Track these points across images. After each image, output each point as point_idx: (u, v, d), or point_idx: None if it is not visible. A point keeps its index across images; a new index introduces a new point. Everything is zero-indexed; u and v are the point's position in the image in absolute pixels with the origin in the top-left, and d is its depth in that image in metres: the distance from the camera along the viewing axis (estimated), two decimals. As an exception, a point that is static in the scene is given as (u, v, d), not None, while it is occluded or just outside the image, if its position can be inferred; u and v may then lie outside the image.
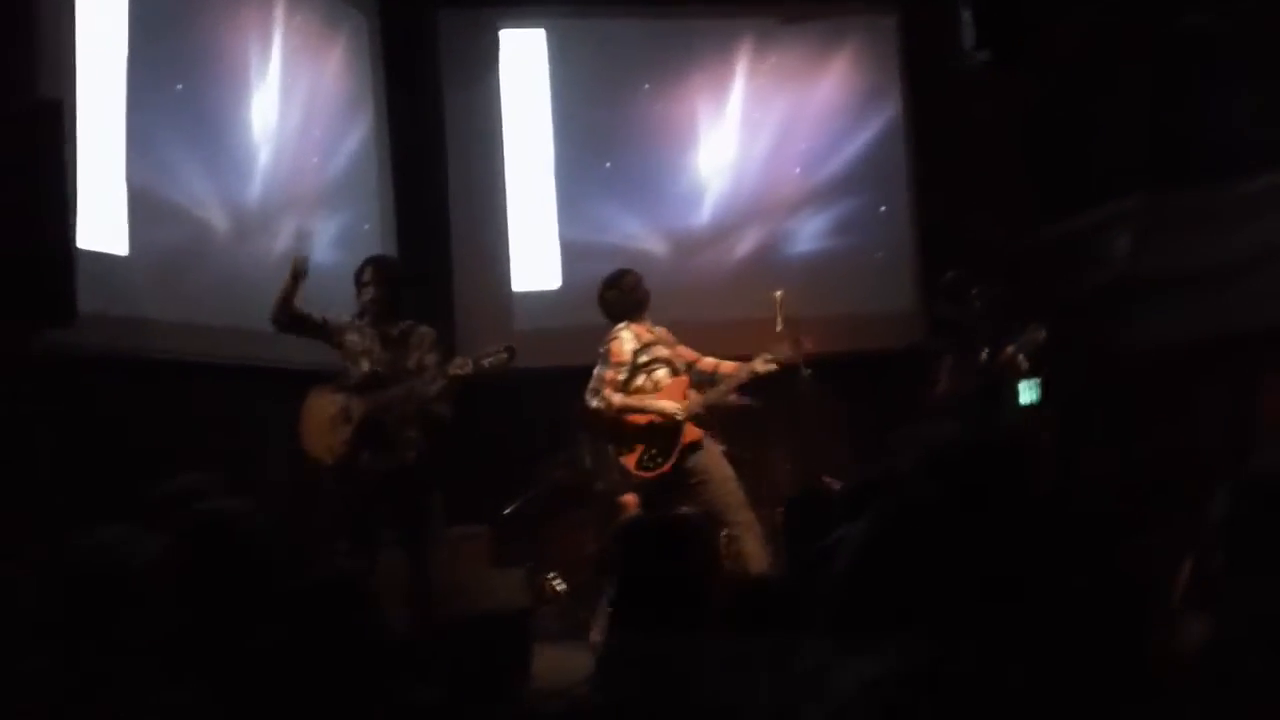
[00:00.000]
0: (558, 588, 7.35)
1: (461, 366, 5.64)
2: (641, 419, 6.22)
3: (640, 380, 6.25)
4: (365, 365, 5.68)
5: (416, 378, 5.66)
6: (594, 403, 6.23)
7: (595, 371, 6.27)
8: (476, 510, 7.77)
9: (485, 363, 5.70)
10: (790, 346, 6.37)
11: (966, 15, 7.77)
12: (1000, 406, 6.65)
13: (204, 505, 3.52)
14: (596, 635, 6.18)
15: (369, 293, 5.73)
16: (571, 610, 7.14)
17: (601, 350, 6.29)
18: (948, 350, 6.91)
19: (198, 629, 2.69)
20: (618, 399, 6.20)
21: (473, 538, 7.47)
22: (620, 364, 6.22)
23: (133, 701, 2.21)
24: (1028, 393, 6.93)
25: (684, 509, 6.34)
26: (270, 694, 2.64)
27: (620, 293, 6.37)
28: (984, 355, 6.61)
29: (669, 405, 6.23)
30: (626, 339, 6.26)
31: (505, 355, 5.75)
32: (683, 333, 6.61)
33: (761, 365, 6.27)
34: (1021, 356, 6.51)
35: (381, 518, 5.79)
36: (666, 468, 6.22)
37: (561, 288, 8.82)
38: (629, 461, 6.27)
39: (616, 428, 6.27)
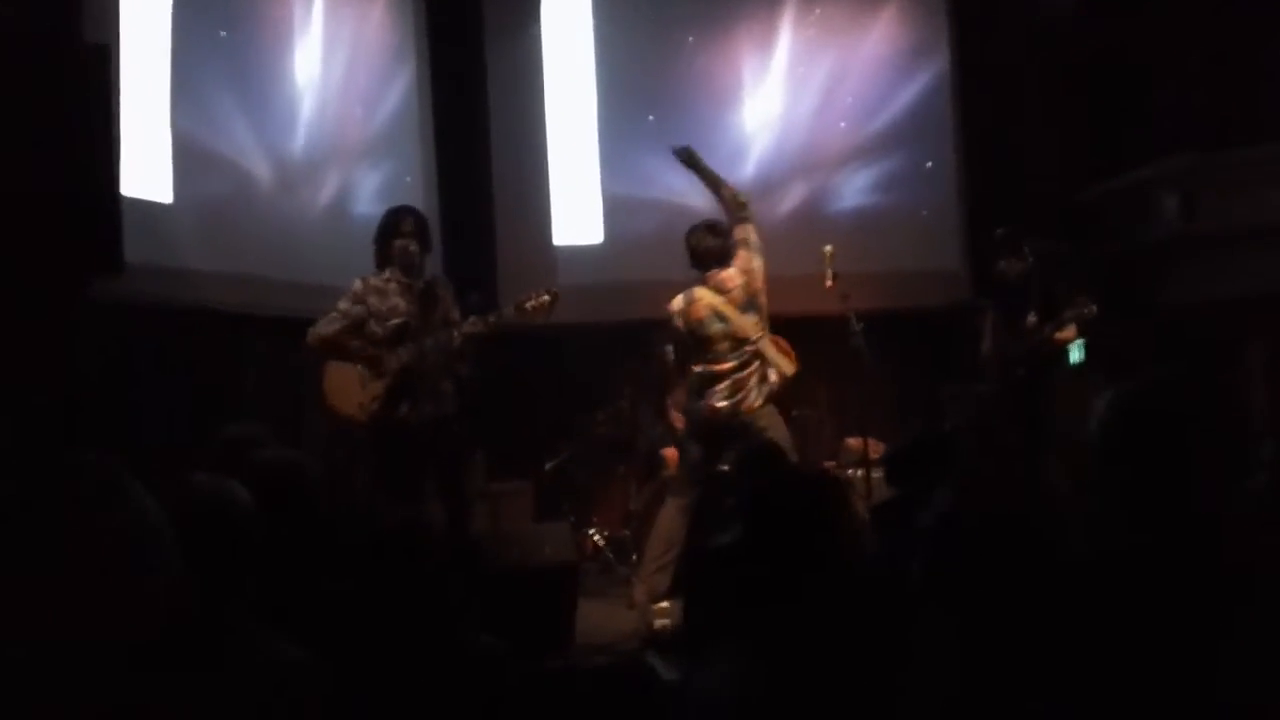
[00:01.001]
0: (598, 542, 7.33)
1: (474, 325, 5.59)
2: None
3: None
4: (393, 320, 5.58)
5: (444, 330, 5.61)
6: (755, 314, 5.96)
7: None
8: (518, 466, 7.76)
9: (528, 305, 5.68)
10: (839, 301, 6.29)
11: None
12: (1046, 371, 6.52)
13: (270, 452, 3.51)
14: (641, 594, 6.15)
15: (409, 244, 5.65)
16: (612, 566, 7.12)
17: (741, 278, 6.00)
18: (993, 309, 6.80)
19: (284, 574, 2.67)
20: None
21: (514, 493, 7.47)
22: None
23: (237, 657, 2.17)
24: (1075, 352, 6.84)
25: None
26: (350, 638, 2.63)
27: (722, 240, 6.08)
28: (1031, 318, 6.49)
29: (785, 363, 6.07)
30: (707, 297, 6.02)
31: (547, 299, 5.72)
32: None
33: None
34: (1071, 329, 6.39)
35: (421, 471, 5.73)
36: (758, 404, 6.06)
37: (604, 243, 8.75)
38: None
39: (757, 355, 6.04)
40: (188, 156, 6.02)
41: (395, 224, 5.69)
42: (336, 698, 2.33)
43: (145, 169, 5.80)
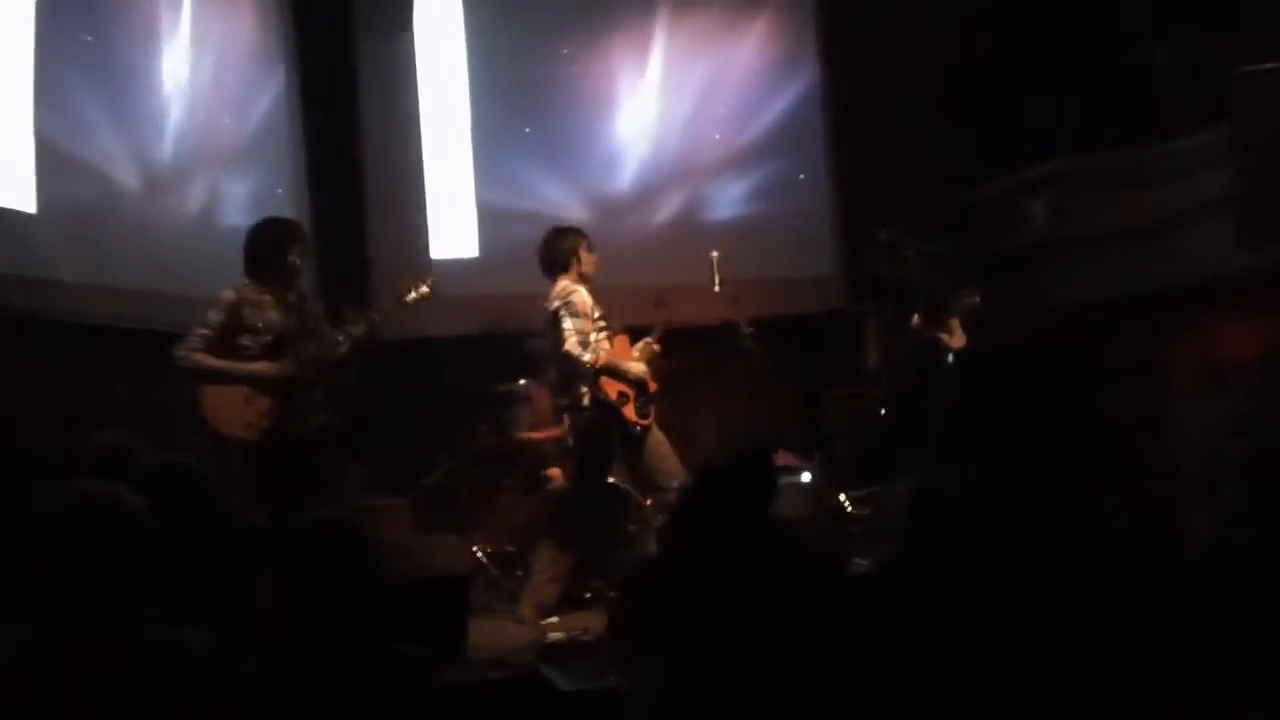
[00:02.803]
0: (482, 558, 7.19)
1: (358, 326, 5.53)
2: (616, 384, 6.12)
3: (595, 339, 6.08)
4: (267, 336, 5.42)
5: (323, 339, 5.49)
6: (588, 355, 5.97)
7: (566, 325, 5.98)
8: (396, 479, 7.61)
9: (408, 298, 5.66)
10: (728, 306, 6.31)
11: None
12: (934, 370, 6.60)
13: (161, 458, 3.38)
14: (529, 609, 6.07)
15: (302, 254, 5.52)
16: (498, 581, 7.00)
17: (557, 304, 6.05)
18: (874, 313, 6.87)
19: (184, 575, 2.58)
20: (603, 354, 6.03)
21: (392, 508, 7.30)
22: (588, 318, 6.04)
23: (141, 646, 2.14)
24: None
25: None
26: (267, 639, 2.54)
27: (565, 243, 6.19)
28: (916, 318, 6.57)
29: (638, 368, 6.18)
30: (584, 294, 6.09)
31: (426, 289, 5.72)
32: (605, 298, 6.42)
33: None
34: (957, 321, 6.47)
35: (302, 483, 5.57)
36: (651, 420, 6.17)
37: (480, 255, 8.66)
38: (629, 411, 6.12)
39: (596, 380, 6.10)
40: (52, 163, 5.76)
41: (289, 234, 5.55)
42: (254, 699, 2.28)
43: (7, 176, 5.54)
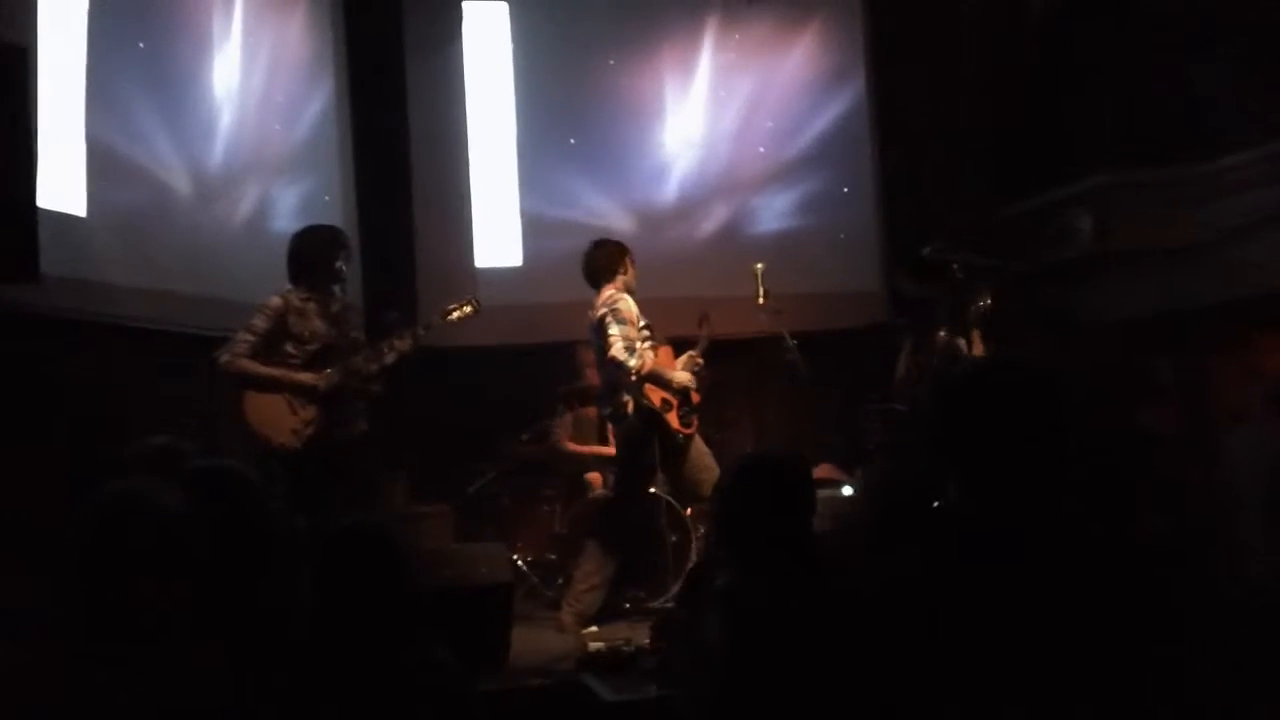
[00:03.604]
0: (523, 566, 7.20)
1: (404, 341, 5.57)
2: (659, 391, 6.10)
3: (641, 346, 6.07)
4: (312, 345, 5.47)
5: (360, 350, 5.54)
6: (634, 361, 5.94)
7: (612, 331, 5.95)
8: (439, 488, 7.62)
9: (452, 315, 5.75)
10: (771, 319, 6.29)
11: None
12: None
13: (211, 461, 3.39)
14: (569, 618, 6.07)
15: (344, 262, 5.56)
16: (538, 589, 7.00)
17: (604, 311, 6.04)
18: (908, 331, 6.81)
19: (224, 577, 2.57)
20: (649, 360, 6.03)
21: (436, 515, 7.32)
22: (634, 325, 6.03)
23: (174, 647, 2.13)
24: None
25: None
26: (305, 647, 2.54)
27: (609, 253, 6.19)
28: (942, 334, 6.51)
29: (683, 376, 6.16)
30: (630, 302, 6.09)
31: (469, 308, 5.79)
32: (649, 308, 6.41)
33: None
34: (977, 333, 6.42)
35: (345, 491, 5.61)
36: (693, 429, 6.17)
37: (524, 265, 8.68)
38: (671, 419, 6.11)
39: (640, 388, 6.06)
40: (103, 166, 5.82)
41: (335, 242, 5.60)
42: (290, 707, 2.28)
43: (58, 179, 5.60)
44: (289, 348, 5.43)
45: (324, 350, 5.47)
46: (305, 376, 5.41)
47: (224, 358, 5.39)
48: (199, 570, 2.37)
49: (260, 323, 5.39)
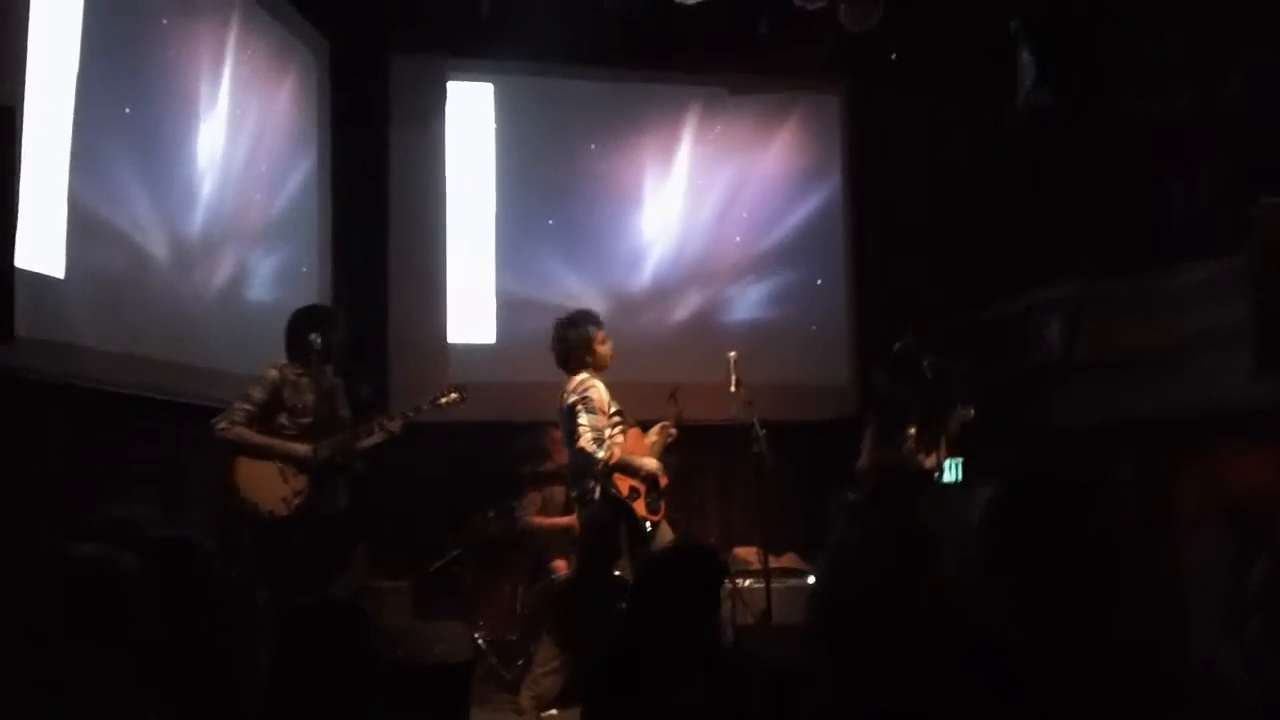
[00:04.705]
0: (482, 645, 7.14)
1: (395, 423, 5.80)
2: (628, 479, 6.11)
3: (610, 434, 6.10)
4: (305, 418, 5.70)
5: (348, 427, 5.75)
6: (601, 454, 6.00)
7: (581, 420, 6.02)
8: (400, 561, 7.58)
9: (442, 401, 5.99)
10: (742, 408, 6.32)
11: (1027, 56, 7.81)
12: (917, 486, 6.57)
13: (164, 532, 3.37)
14: (527, 700, 6.03)
15: (337, 339, 5.72)
16: (497, 670, 6.95)
17: (574, 399, 6.09)
18: (871, 423, 6.85)
19: (175, 646, 2.56)
20: (616, 451, 6.04)
21: (395, 590, 7.28)
22: (604, 414, 6.07)
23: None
24: (950, 472, 6.92)
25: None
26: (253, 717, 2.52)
27: (581, 337, 6.22)
28: (911, 432, 6.55)
29: (651, 464, 6.17)
30: (602, 389, 6.13)
31: (456, 396, 6.03)
32: (620, 391, 6.46)
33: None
34: (944, 441, 6.49)
35: (322, 563, 5.69)
36: (661, 515, 6.19)
37: (497, 343, 8.72)
38: (639, 507, 6.10)
39: (608, 477, 6.10)
40: (83, 229, 5.81)
41: (329, 321, 5.85)
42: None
43: (38, 239, 5.59)
44: (283, 419, 5.69)
45: (316, 424, 5.67)
46: (299, 447, 5.63)
47: (221, 424, 5.60)
48: (151, 640, 2.37)
49: (257, 393, 5.65)
